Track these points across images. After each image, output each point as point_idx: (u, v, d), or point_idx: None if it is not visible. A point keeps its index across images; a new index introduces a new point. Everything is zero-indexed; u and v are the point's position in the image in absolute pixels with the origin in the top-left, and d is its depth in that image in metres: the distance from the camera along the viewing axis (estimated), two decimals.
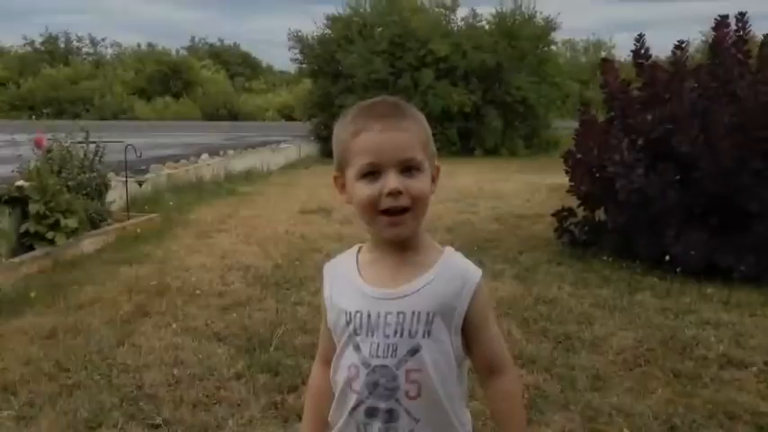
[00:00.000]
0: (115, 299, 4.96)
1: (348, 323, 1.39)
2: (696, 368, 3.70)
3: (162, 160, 11.24)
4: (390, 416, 1.36)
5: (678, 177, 5.62)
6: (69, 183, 6.92)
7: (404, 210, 1.34)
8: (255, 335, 4.21)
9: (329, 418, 1.47)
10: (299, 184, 12.63)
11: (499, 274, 5.69)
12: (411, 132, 1.36)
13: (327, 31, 21.39)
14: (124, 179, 8.26)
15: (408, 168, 1.34)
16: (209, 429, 3.07)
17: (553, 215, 6.86)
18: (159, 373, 3.66)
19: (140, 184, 8.60)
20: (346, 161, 1.38)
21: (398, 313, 1.35)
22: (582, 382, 3.53)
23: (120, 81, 45.26)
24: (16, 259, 5.75)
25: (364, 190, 1.34)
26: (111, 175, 7.96)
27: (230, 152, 14.02)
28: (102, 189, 7.52)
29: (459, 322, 1.38)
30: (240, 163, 13.89)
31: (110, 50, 55.75)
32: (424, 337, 1.35)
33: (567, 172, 6.81)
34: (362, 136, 1.35)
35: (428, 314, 1.35)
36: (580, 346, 4.04)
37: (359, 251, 1.50)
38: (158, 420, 3.14)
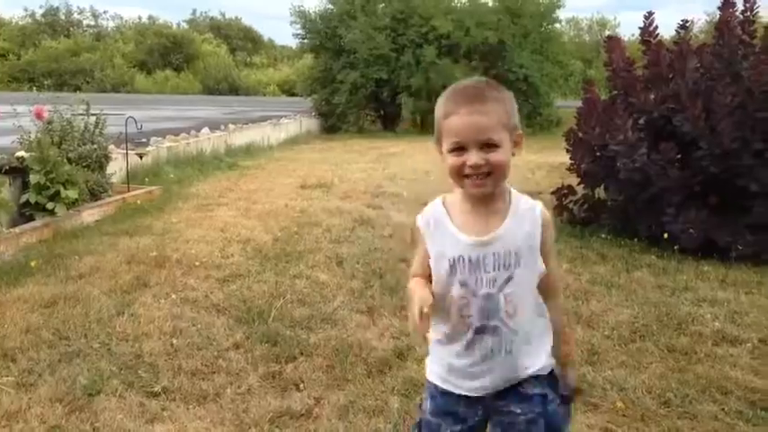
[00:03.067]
0: (115, 269, 4.98)
1: (452, 266, 1.72)
2: (691, 344, 3.73)
3: (162, 133, 11.23)
4: (496, 331, 1.73)
5: (679, 157, 5.62)
6: (70, 154, 6.94)
7: (486, 174, 1.67)
8: (254, 306, 4.24)
9: (430, 333, 1.75)
10: (299, 159, 12.63)
11: None
12: (490, 116, 1.66)
13: (330, 6, 21.24)
14: (124, 151, 8.26)
15: (487, 145, 1.65)
16: (207, 398, 3.10)
17: (553, 193, 6.86)
18: (158, 342, 3.70)
19: (141, 156, 8.60)
20: (440, 136, 1.72)
21: (494, 254, 1.71)
22: (577, 356, 3.55)
23: (120, 54, 45.03)
24: (16, 229, 5.77)
25: (453, 161, 1.68)
26: (111, 147, 7.95)
27: (231, 126, 13.98)
28: (102, 161, 7.52)
29: (537, 244, 1.74)
30: (241, 137, 13.87)
31: (111, 23, 55.49)
32: (515, 267, 1.71)
33: (567, 150, 6.81)
34: (451, 119, 1.67)
35: (516, 250, 1.71)
36: (576, 321, 4.06)
37: (443, 203, 1.80)
38: (157, 388, 3.17)
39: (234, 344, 3.69)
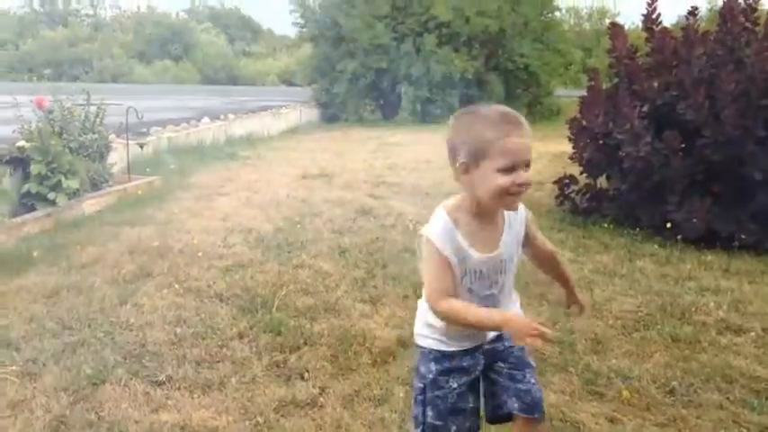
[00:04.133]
0: (117, 259, 4.97)
1: (463, 277, 1.92)
2: (695, 333, 3.73)
3: (162, 123, 11.18)
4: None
5: (683, 145, 5.60)
6: (71, 144, 6.91)
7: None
8: (258, 296, 4.23)
9: (443, 332, 2.00)
10: (300, 149, 12.59)
11: None
12: (530, 139, 1.84)
13: None
14: (125, 141, 8.23)
15: (526, 165, 1.83)
16: (212, 387, 3.11)
17: (555, 182, 6.85)
18: (162, 331, 3.70)
19: (141, 146, 8.56)
20: (485, 154, 1.80)
21: (499, 262, 1.95)
22: (581, 346, 3.56)
23: (119, 43, 44.80)
24: (18, 219, 5.75)
25: (504, 180, 1.80)
26: (112, 137, 7.93)
27: (231, 116, 13.94)
28: (103, 151, 7.50)
29: (522, 239, 2.03)
30: (241, 127, 13.82)
31: (109, 12, 55.11)
32: (510, 267, 1.99)
33: (570, 139, 6.79)
34: (510, 139, 1.79)
35: (513, 255, 1.99)
36: (579, 311, 4.05)
37: (449, 215, 1.91)
38: (162, 377, 3.17)
39: (238, 333, 3.69)
